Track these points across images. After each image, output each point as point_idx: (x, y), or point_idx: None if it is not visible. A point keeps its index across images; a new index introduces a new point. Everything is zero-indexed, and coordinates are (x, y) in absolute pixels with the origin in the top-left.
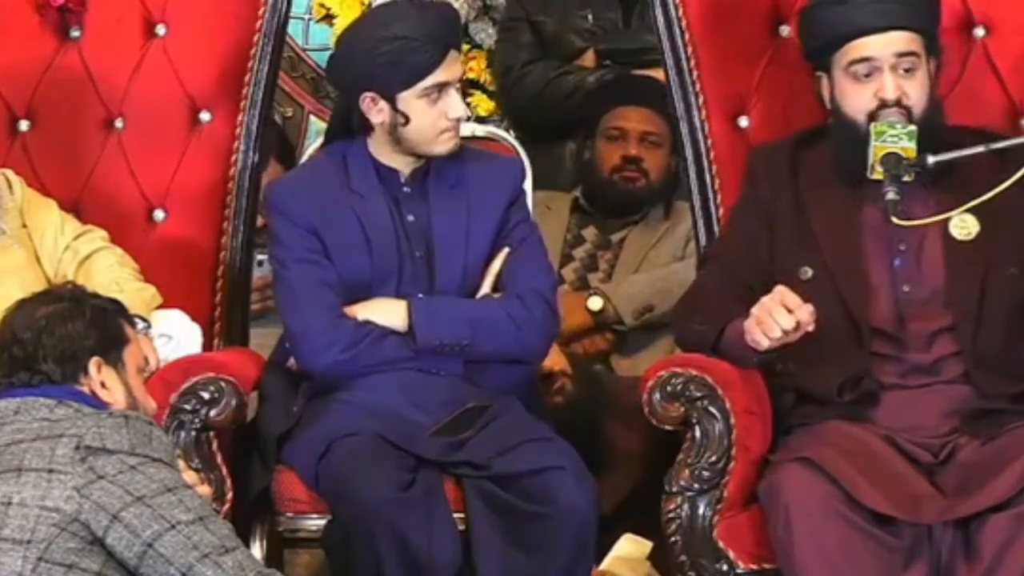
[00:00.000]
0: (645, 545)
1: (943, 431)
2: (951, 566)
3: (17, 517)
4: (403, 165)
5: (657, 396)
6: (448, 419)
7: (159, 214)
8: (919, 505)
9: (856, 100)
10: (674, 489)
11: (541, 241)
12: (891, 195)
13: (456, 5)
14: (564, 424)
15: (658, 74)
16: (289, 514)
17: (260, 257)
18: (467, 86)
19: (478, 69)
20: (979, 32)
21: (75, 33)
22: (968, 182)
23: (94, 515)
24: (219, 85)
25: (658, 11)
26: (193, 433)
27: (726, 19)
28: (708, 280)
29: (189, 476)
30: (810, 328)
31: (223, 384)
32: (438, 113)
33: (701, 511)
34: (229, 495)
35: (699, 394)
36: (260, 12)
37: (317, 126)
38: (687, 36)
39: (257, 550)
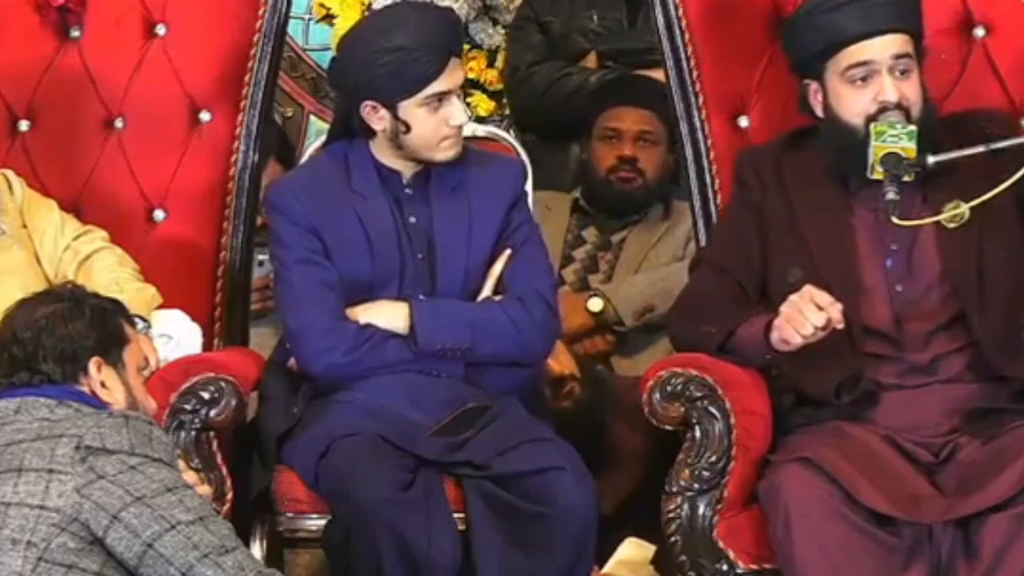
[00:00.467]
0: (648, 549)
1: (943, 430)
2: (951, 566)
3: (17, 517)
4: (405, 167)
5: (657, 396)
6: (448, 419)
7: (159, 214)
8: (919, 505)
9: (854, 104)
10: (674, 489)
11: (542, 242)
12: (891, 195)
13: (456, 5)
14: (568, 425)
15: (660, 75)
16: (289, 514)
17: (261, 257)
18: (467, 86)
19: (478, 69)
20: (979, 32)
21: (75, 33)
22: (958, 175)
23: (94, 515)
24: (219, 85)
25: (658, 11)
26: (193, 433)
27: (726, 19)
28: (702, 284)
29: (189, 476)
30: (840, 326)
31: (223, 384)
32: (439, 121)
33: (701, 511)
34: (229, 495)
35: (699, 394)
36: (260, 12)
37: (317, 126)
38: (687, 36)
39: (257, 550)
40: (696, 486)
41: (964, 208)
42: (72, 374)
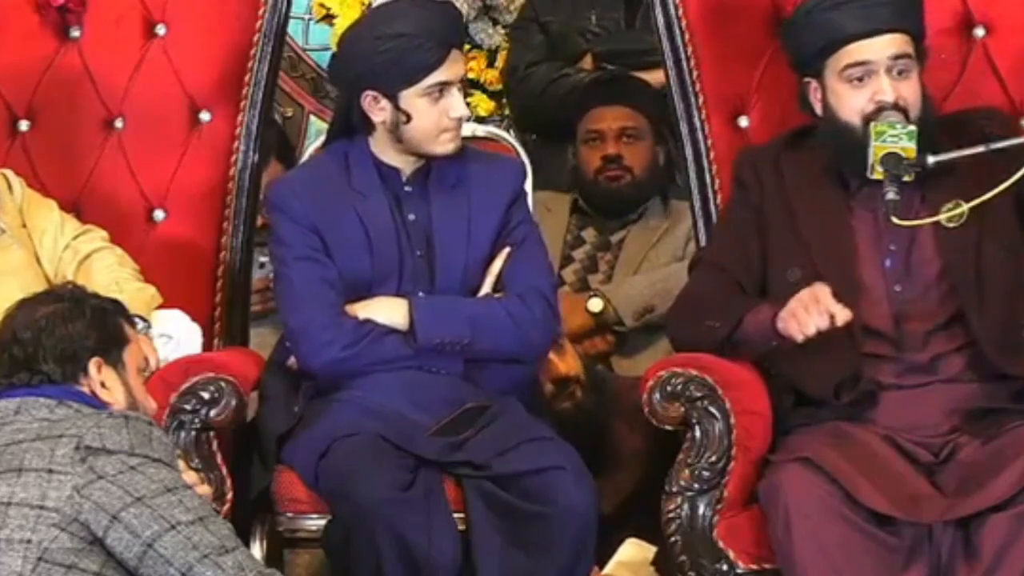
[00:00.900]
0: (648, 550)
1: (943, 430)
2: (951, 566)
3: (17, 517)
4: (404, 164)
5: (657, 396)
6: (448, 419)
7: (159, 214)
8: (919, 505)
9: (852, 103)
10: (674, 489)
11: (541, 240)
12: (891, 195)
13: (456, 5)
14: (568, 427)
15: (658, 75)
16: (289, 514)
17: (262, 259)
18: (467, 86)
19: (478, 69)
20: (979, 32)
21: (75, 33)
22: (957, 175)
23: (94, 515)
24: (219, 85)
25: (658, 11)
26: (193, 433)
27: (726, 19)
28: (701, 284)
29: (189, 476)
30: (843, 323)
31: (223, 384)
32: (440, 112)
33: (701, 511)
34: (229, 495)
35: (699, 394)
36: (260, 12)
37: (317, 126)
38: (687, 36)
39: (257, 550)
40: (696, 486)
41: (964, 207)
42: (72, 374)
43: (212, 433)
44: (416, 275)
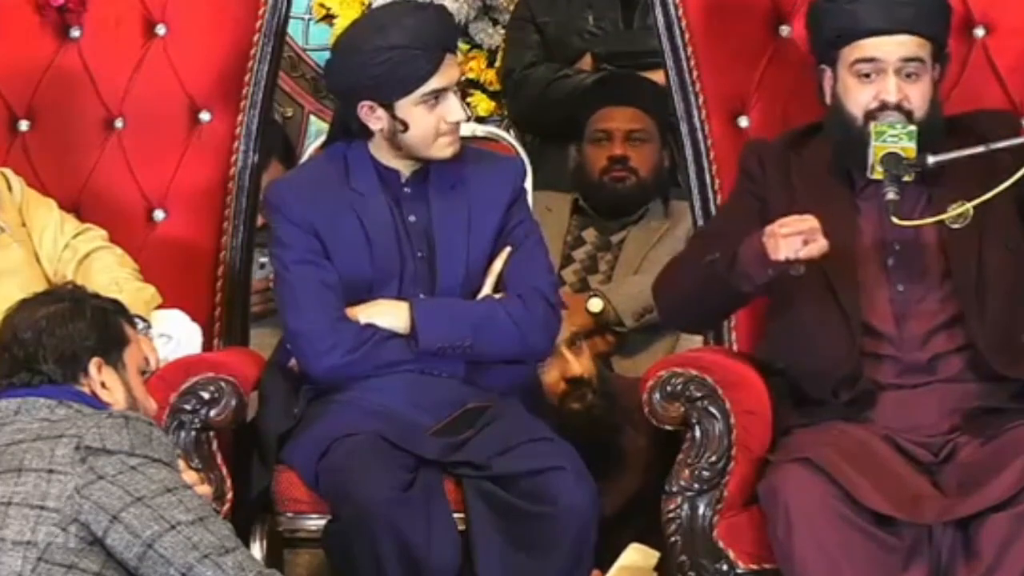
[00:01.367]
0: (652, 555)
1: (943, 430)
2: (951, 566)
3: (17, 517)
4: (404, 166)
5: (657, 396)
6: (448, 420)
7: (159, 214)
8: (919, 505)
9: (857, 98)
10: (674, 489)
11: (542, 241)
12: (891, 195)
13: (456, 5)
14: (578, 427)
15: (656, 76)
16: (289, 514)
17: (262, 260)
18: (467, 86)
19: (478, 69)
20: (979, 32)
21: (75, 33)
22: (959, 175)
23: (94, 515)
24: (219, 85)
25: (658, 11)
26: (193, 433)
27: (726, 19)
28: (692, 251)
29: (189, 476)
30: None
31: (223, 384)
32: (437, 118)
33: (701, 511)
34: (229, 495)
35: (699, 394)
36: (260, 12)
37: (317, 126)
38: (687, 36)
39: (257, 550)
40: (696, 486)
41: (968, 207)
42: (72, 375)
43: (212, 433)
44: (417, 276)
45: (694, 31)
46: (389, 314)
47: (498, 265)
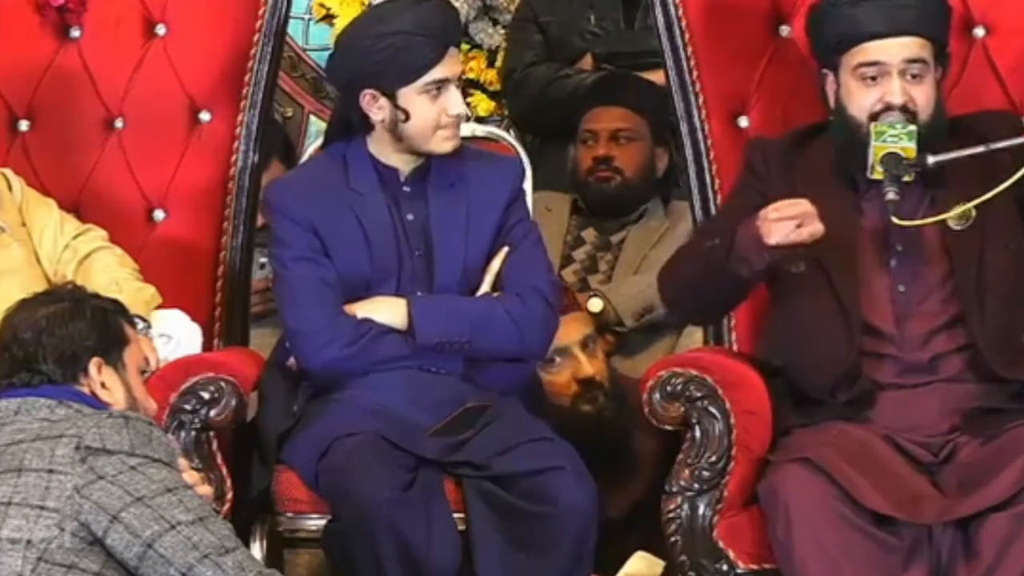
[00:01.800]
0: (657, 565)
1: (943, 430)
2: (951, 566)
3: (17, 517)
4: (403, 164)
5: (657, 396)
6: (448, 419)
7: (159, 214)
8: (919, 505)
9: (861, 101)
10: (674, 489)
11: (541, 240)
12: (891, 195)
13: (456, 5)
14: (588, 429)
15: (657, 76)
16: (289, 514)
17: (262, 260)
18: (467, 86)
19: (478, 69)
20: (979, 32)
21: (75, 33)
22: (961, 176)
23: (94, 515)
24: (219, 85)
25: (658, 11)
26: (193, 433)
27: (726, 19)
28: (694, 244)
29: (189, 476)
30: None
31: (223, 384)
32: (438, 109)
33: (701, 511)
34: (229, 495)
35: (699, 394)
36: (260, 12)
37: (317, 126)
38: (687, 36)
39: (257, 550)
40: (696, 486)
41: (968, 206)
42: (72, 375)
43: (212, 433)
44: (415, 275)
45: (694, 31)
46: (387, 310)
47: (496, 264)
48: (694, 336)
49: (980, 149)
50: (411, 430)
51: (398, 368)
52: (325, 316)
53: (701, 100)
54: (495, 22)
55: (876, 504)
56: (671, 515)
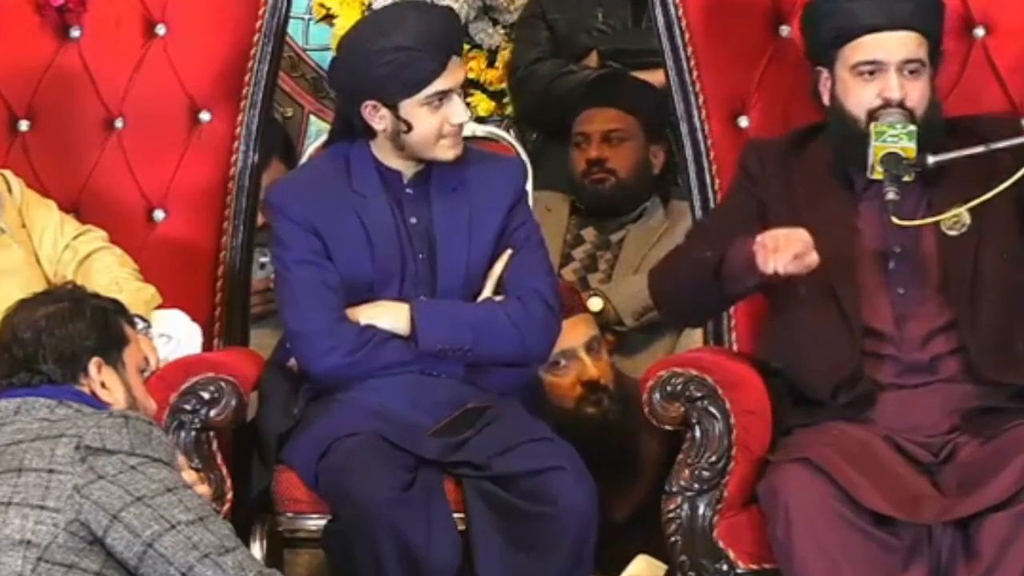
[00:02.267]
0: (659, 568)
1: (943, 430)
2: (951, 566)
3: (17, 517)
4: (406, 167)
5: (657, 396)
6: (448, 420)
7: (159, 214)
8: (919, 505)
9: (859, 97)
10: (674, 489)
11: (543, 243)
12: (891, 195)
13: (456, 5)
14: (591, 432)
15: (659, 75)
16: (289, 514)
17: (262, 260)
18: (467, 86)
19: (478, 69)
20: (979, 32)
21: (75, 33)
22: (961, 179)
23: (94, 515)
24: (219, 85)
25: (658, 11)
26: (193, 433)
27: (726, 19)
28: (690, 245)
29: (189, 476)
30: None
31: (223, 384)
32: (441, 119)
33: (701, 511)
34: (229, 495)
35: (699, 394)
36: (260, 12)
37: (317, 126)
38: (687, 36)
39: (257, 550)
40: (696, 486)
41: (963, 211)
42: (72, 375)
43: (212, 433)
44: (418, 278)
45: (694, 31)
46: (389, 315)
47: (499, 267)
48: (694, 336)
49: (980, 149)
50: (411, 430)
51: (400, 373)
52: (327, 321)
53: (701, 100)
54: (495, 22)
55: (876, 504)
56: (671, 515)
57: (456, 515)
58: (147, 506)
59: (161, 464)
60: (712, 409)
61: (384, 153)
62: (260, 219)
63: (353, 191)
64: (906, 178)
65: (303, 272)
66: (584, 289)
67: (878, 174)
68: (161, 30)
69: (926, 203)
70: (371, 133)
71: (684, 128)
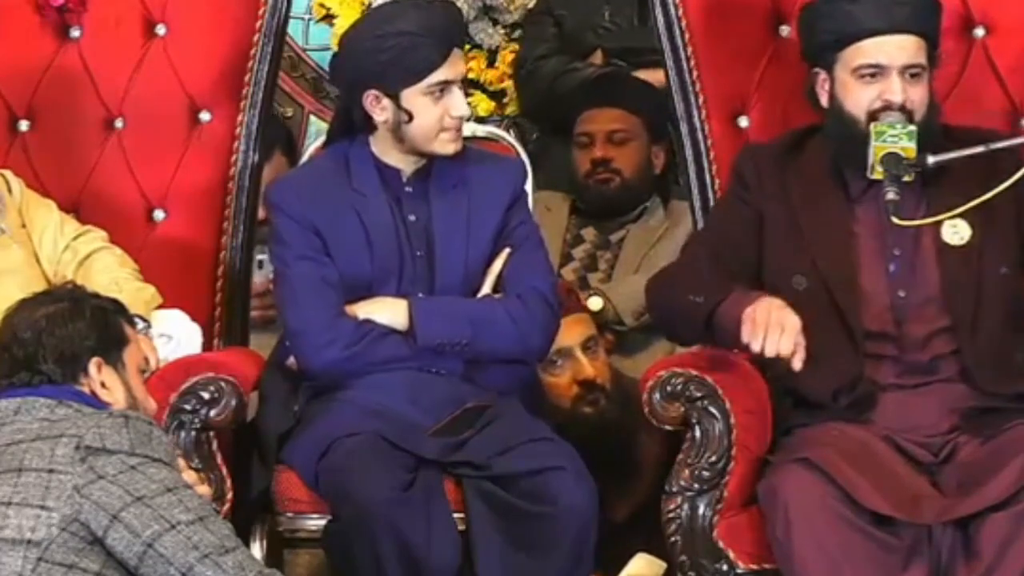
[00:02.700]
0: (659, 567)
1: (943, 430)
2: (951, 566)
3: (17, 517)
4: (405, 164)
5: (657, 396)
6: (448, 419)
7: (159, 214)
8: (918, 505)
9: (860, 98)
10: (674, 489)
11: (542, 241)
12: (891, 195)
13: (457, 5)
14: (589, 432)
15: (661, 74)
16: (289, 514)
17: (260, 257)
18: (467, 86)
19: (478, 69)
20: (979, 32)
21: (75, 33)
22: (960, 184)
23: (94, 515)
24: (219, 85)
25: (658, 11)
26: (193, 433)
27: (726, 19)
28: (691, 258)
29: (189, 476)
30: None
31: (223, 384)
32: (442, 111)
33: (701, 511)
34: (229, 495)
35: (699, 394)
36: (260, 12)
37: (317, 126)
38: (687, 36)
39: (257, 550)
40: (696, 486)
41: (969, 207)
42: (72, 374)
43: (212, 433)
44: (416, 276)
45: (694, 31)
46: (387, 310)
47: (497, 265)
48: None
49: (980, 149)
50: (411, 430)
51: (398, 369)
52: (326, 316)
53: (701, 100)
54: (495, 22)
55: (876, 504)
56: (671, 515)
57: (456, 515)
58: (147, 506)
59: (161, 464)
60: (712, 409)
61: (384, 149)
62: (261, 213)
63: (353, 190)
64: (906, 178)
65: (302, 268)
66: (584, 289)
67: (878, 174)
68: (161, 30)
69: (925, 204)
70: (371, 127)
71: (684, 128)
